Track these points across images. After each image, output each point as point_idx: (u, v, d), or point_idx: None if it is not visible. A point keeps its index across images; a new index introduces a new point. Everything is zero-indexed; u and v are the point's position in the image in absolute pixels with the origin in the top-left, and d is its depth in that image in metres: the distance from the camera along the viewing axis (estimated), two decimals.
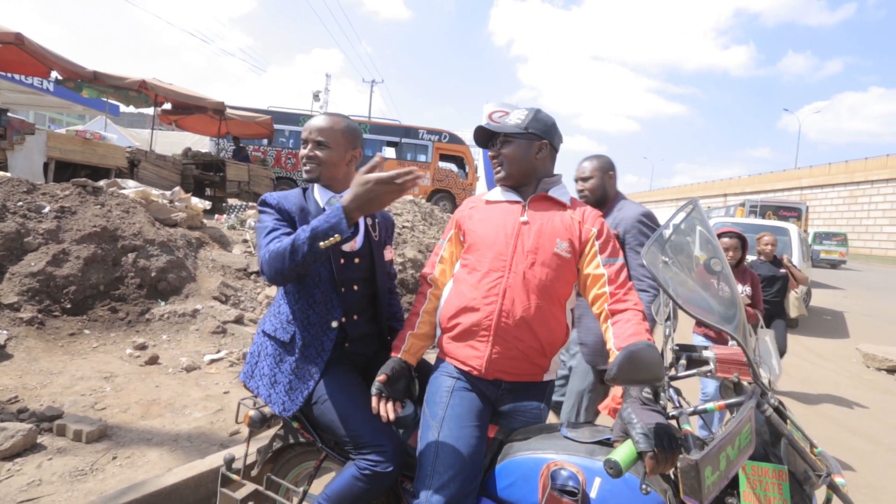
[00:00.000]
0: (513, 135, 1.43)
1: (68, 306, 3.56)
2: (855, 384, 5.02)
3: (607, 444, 1.15)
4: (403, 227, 7.28)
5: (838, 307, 10.01)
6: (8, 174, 4.37)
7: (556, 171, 1.52)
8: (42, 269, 3.54)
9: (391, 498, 1.47)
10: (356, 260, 1.48)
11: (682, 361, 1.25)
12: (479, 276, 1.36)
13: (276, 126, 12.62)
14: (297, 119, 14.10)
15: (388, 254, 1.61)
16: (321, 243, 1.18)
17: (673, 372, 1.22)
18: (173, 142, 19.02)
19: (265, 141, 13.33)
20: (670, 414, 1.05)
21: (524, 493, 1.17)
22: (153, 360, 3.29)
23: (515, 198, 1.44)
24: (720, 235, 3.06)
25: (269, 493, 1.54)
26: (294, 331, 1.42)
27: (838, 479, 1.00)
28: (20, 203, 3.92)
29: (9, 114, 6.69)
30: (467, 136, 15.97)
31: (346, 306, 1.45)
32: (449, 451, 1.24)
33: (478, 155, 14.36)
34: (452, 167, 14.80)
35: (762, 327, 2.87)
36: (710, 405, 1.07)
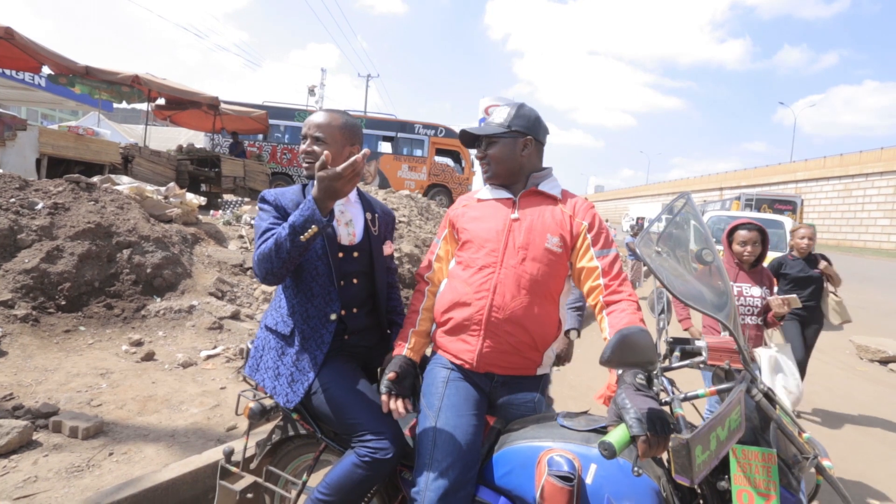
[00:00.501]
0: (497, 135, 1.43)
1: (63, 303, 3.54)
2: (848, 375, 5.07)
3: (602, 431, 1.18)
4: (400, 221, 7.28)
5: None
6: (0, 171, 4.33)
7: (546, 165, 1.52)
8: (36, 265, 3.52)
9: (389, 488, 1.49)
10: (355, 254, 1.50)
11: (676, 353, 1.28)
12: (471, 272, 1.39)
13: (272, 121, 12.57)
14: (293, 114, 14.03)
15: (388, 248, 1.63)
16: (301, 236, 1.23)
17: (667, 363, 1.24)
18: (168, 137, 18.89)
19: (260, 136, 13.27)
20: (663, 400, 1.07)
21: (521, 480, 1.20)
22: (149, 357, 3.29)
23: (506, 195, 1.46)
24: (738, 228, 2.73)
25: (268, 484, 1.56)
26: (294, 324, 1.45)
27: (825, 462, 1.03)
28: (13, 200, 3.88)
29: (0, 110, 6.62)
30: None
31: (346, 299, 1.48)
32: (447, 440, 1.26)
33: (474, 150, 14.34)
34: (449, 162, 14.77)
35: (766, 344, 2.65)
36: (701, 391, 1.10)
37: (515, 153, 1.43)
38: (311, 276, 1.44)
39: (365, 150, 1.26)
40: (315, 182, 1.23)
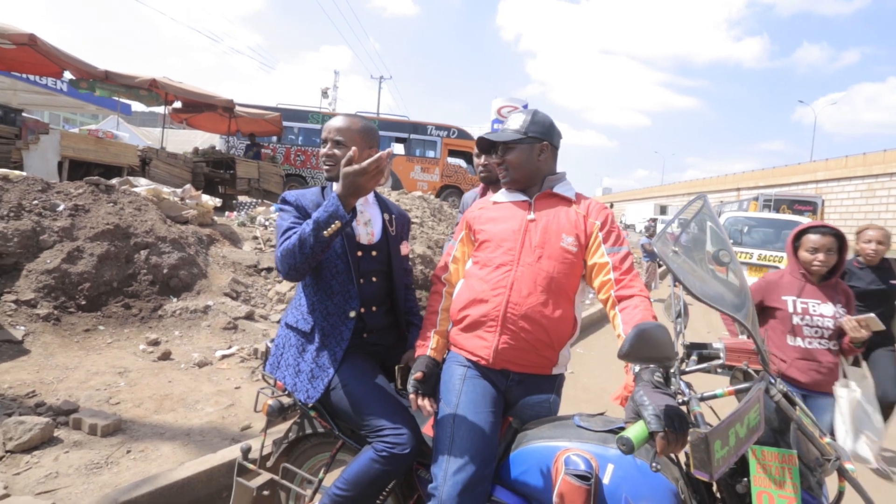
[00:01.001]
0: (514, 141, 1.47)
1: (83, 303, 3.62)
2: None
3: (619, 432, 1.16)
4: (412, 223, 7.29)
5: None
6: (23, 173, 4.45)
7: (560, 166, 1.56)
8: (57, 266, 3.61)
9: (405, 488, 1.49)
10: (374, 253, 1.55)
11: (693, 357, 1.26)
12: (488, 271, 1.42)
13: (286, 123, 12.70)
14: (306, 116, 14.16)
15: (405, 248, 1.68)
16: (324, 232, 1.27)
17: (684, 367, 1.22)
18: (184, 140, 19.22)
19: (274, 138, 13.42)
20: (681, 400, 1.06)
21: (538, 479, 1.20)
22: (166, 356, 3.34)
23: (522, 197, 1.50)
24: (807, 231, 2.19)
25: (285, 482, 1.57)
26: (314, 321, 1.49)
27: (848, 466, 1.01)
28: (35, 202, 3.99)
29: (24, 114, 6.81)
30: (476, 132, 15.91)
31: (365, 297, 1.51)
32: (465, 435, 1.28)
33: None
34: (461, 163, 14.77)
35: (844, 376, 2.17)
36: (719, 391, 1.08)
37: (532, 158, 1.48)
38: (331, 273, 1.48)
39: (389, 149, 1.32)
40: (339, 179, 1.27)
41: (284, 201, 1.50)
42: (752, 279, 7.33)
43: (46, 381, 2.81)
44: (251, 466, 1.60)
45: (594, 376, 4.28)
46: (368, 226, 1.56)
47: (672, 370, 1.10)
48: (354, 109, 23.78)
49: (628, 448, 0.92)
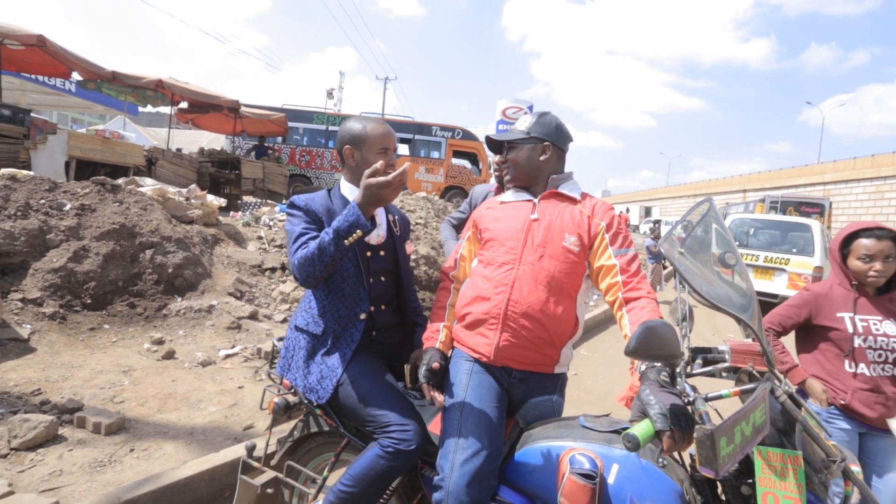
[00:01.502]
0: (517, 140, 1.52)
1: (88, 301, 3.64)
2: None
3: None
4: (417, 223, 7.29)
5: None
6: (31, 173, 4.49)
7: (567, 169, 1.58)
8: (63, 265, 3.63)
9: (408, 487, 1.49)
10: (381, 252, 1.57)
11: (698, 361, 1.25)
12: (491, 269, 1.44)
13: (291, 124, 12.75)
14: (311, 117, 14.20)
15: (409, 248, 1.71)
16: (346, 240, 1.30)
17: (689, 370, 1.22)
18: (190, 140, 19.34)
19: (279, 139, 13.48)
20: (686, 400, 1.06)
21: (543, 479, 1.20)
22: (170, 355, 3.35)
23: (527, 197, 1.53)
24: (858, 234, 1.81)
25: (289, 480, 1.57)
26: (325, 324, 1.50)
27: (853, 468, 1.00)
28: (42, 201, 4.02)
29: (32, 114, 6.87)
30: (481, 133, 15.91)
31: (374, 297, 1.54)
32: (472, 429, 1.29)
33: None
34: (466, 164, 14.77)
35: None
36: (724, 391, 1.08)
37: (534, 157, 1.50)
38: (342, 276, 1.50)
39: (407, 165, 1.33)
40: (360, 191, 1.30)
41: (293, 205, 1.50)
42: (757, 281, 7.27)
43: (52, 379, 2.83)
44: (255, 464, 1.61)
45: (598, 378, 4.26)
46: (377, 227, 1.59)
47: (678, 371, 1.09)
48: (359, 110, 23.85)
49: (634, 445, 0.92)
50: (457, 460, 1.25)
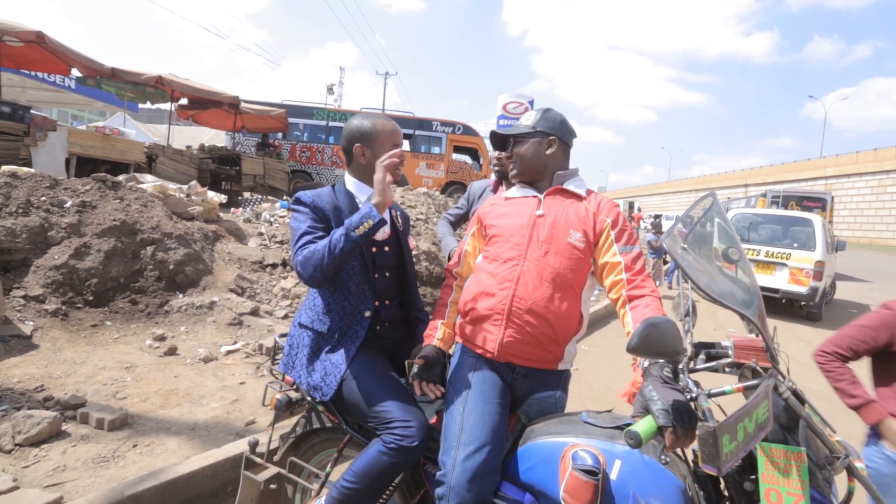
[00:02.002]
0: (522, 135, 1.52)
1: (90, 298, 3.65)
2: None
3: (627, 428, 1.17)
4: (417, 219, 7.28)
5: (864, 300, 9.72)
6: (32, 170, 4.49)
7: (572, 165, 1.57)
8: (65, 262, 3.63)
9: (410, 484, 1.50)
10: (386, 248, 1.58)
11: (701, 356, 1.25)
12: (496, 265, 1.43)
13: (291, 119, 12.73)
14: (312, 112, 14.17)
15: (411, 242, 1.72)
16: (356, 231, 1.34)
17: (692, 365, 1.22)
18: (190, 136, 19.31)
19: (280, 134, 13.46)
20: (689, 396, 1.06)
21: (545, 475, 1.20)
22: (172, 351, 3.36)
23: (532, 193, 1.52)
24: None
25: (292, 475, 1.58)
26: (331, 321, 1.51)
27: (857, 464, 0.99)
28: (43, 198, 4.02)
29: (32, 111, 6.86)
30: (481, 128, 15.86)
31: (379, 292, 1.54)
32: (475, 424, 1.29)
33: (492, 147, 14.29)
34: (466, 159, 14.73)
35: None
36: (727, 387, 1.08)
37: (540, 152, 1.50)
38: (348, 274, 1.50)
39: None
40: (381, 190, 1.37)
41: (299, 202, 1.49)
42: (758, 276, 7.24)
43: (54, 375, 2.84)
44: (258, 460, 1.61)
45: (599, 373, 4.26)
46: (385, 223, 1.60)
47: (680, 367, 1.09)
48: (360, 106, 23.77)
49: (636, 442, 0.92)
50: (459, 456, 1.25)
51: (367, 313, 1.50)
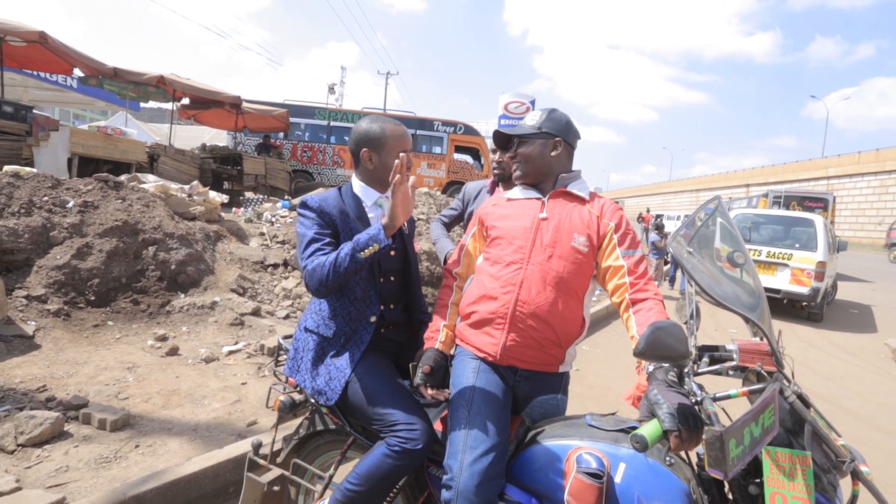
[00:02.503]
0: (527, 135, 1.49)
1: (92, 298, 3.66)
2: (882, 380, 4.87)
3: (631, 432, 1.16)
4: (418, 219, 7.28)
5: (866, 301, 9.70)
6: (34, 170, 4.49)
7: (574, 167, 1.55)
8: (67, 262, 3.64)
9: (414, 487, 1.50)
10: (392, 252, 1.57)
11: (705, 359, 1.25)
12: (499, 268, 1.42)
13: (292, 119, 12.73)
14: (313, 112, 14.17)
15: (416, 246, 1.73)
16: (361, 253, 1.31)
17: (696, 368, 1.21)
18: (192, 136, 19.33)
19: (281, 134, 13.46)
20: (693, 400, 1.06)
21: (550, 478, 1.20)
22: (173, 352, 3.36)
23: (535, 195, 1.50)
24: None
25: (295, 477, 1.58)
26: (336, 326, 1.50)
27: (863, 468, 0.99)
28: (46, 198, 4.02)
29: (34, 111, 6.87)
30: (483, 128, 15.84)
31: (384, 295, 1.54)
32: (480, 428, 1.28)
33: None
34: (468, 159, 14.72)
35: None
36: (732, 391, 1.07)
37: (545, 153, 1.48)
38: (355, 280, 1.49)
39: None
40: (393, 216, 1.33)
41: (306, 206, 1.48)
42: (761, 276, 7.22)
43: (57, 375, 2.85)
44: (262, 462, 1.61)
45: (599, 374, 4.26)
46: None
47: (685, 370, 1.09)
48: (361, 105, 23.78)
49: (642, 446, 0.92)
50: (466, 460, 1.24)
51: (373, 318, 1.49)
